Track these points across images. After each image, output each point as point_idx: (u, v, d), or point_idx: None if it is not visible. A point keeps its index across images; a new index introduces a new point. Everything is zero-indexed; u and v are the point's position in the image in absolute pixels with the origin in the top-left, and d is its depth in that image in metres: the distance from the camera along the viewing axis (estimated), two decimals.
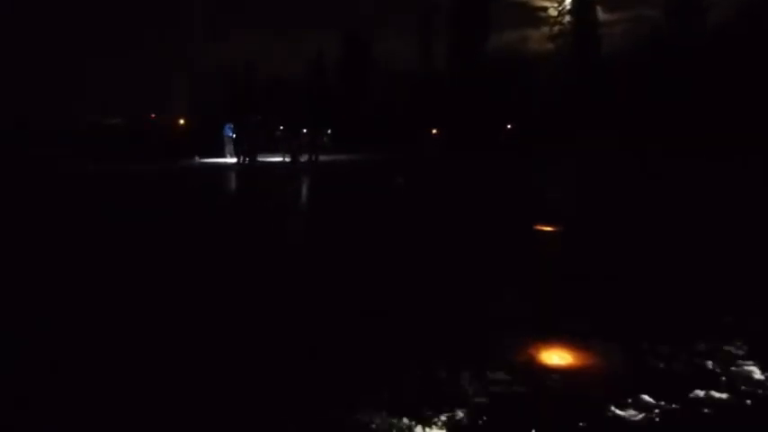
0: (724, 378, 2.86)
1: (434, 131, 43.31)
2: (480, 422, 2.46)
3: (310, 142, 27.00)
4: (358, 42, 50.61)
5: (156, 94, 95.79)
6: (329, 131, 38.79)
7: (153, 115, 49.50)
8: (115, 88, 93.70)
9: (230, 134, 25.37)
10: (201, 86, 55.85)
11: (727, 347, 3.22)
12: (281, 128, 30.72)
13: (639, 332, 3.48)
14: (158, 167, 22.67)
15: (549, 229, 7.63)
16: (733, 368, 2.97)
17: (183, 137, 37.11)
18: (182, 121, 42.53)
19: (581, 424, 2.41)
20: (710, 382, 2.80)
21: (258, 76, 53.85)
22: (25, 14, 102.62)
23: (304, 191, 15.35)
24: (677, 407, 2.56)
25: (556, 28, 43.79)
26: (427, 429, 2.41)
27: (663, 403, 2.57)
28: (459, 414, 2.51)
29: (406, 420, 2.46)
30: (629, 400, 2.60)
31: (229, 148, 25.31)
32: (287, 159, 25.92)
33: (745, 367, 2.98)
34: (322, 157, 26.98)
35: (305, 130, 27.83)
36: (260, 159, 25.15)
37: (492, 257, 6.06)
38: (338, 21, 70.54)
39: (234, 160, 24.61)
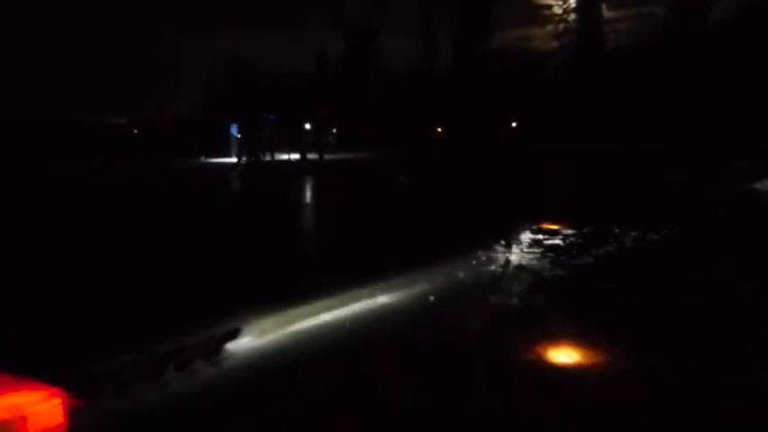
0: None
1: (439, 130, 43.12)
2: None
3: (315, 141, 26.88)
4: (360, 41, 50.31)
5: (160, 93, 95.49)
6: (333, 130, 38.68)
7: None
8: (119, 88, 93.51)
9: (236, 134, 25.23)
10: (205, 86, 55.53)
11: None
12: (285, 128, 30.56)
13: None
14: (165, 167, 22.49)
15: (553, 227, 7.76)
16: None
17: (188, 136, 36.91)
18: (187, 122, 42.30)
19: None
20: None
21: (259, 74, 53.41)
22: (29, 13, 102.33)
23: (310, 191, 15.18)
24: None
25: (561, 26, 43.52)
26: None
27: None
28: None
29: None
30: None
31: (235, 147, 25.15)
32: (292, 159, 25.82)
33: None
34: (327, 156, 26.86)
35: (308, 127, 27.72)
36: (265, 159, 25.01)
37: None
38: (340, 20, 70.26)
39: (240, 160, 24.41)
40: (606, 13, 43.05)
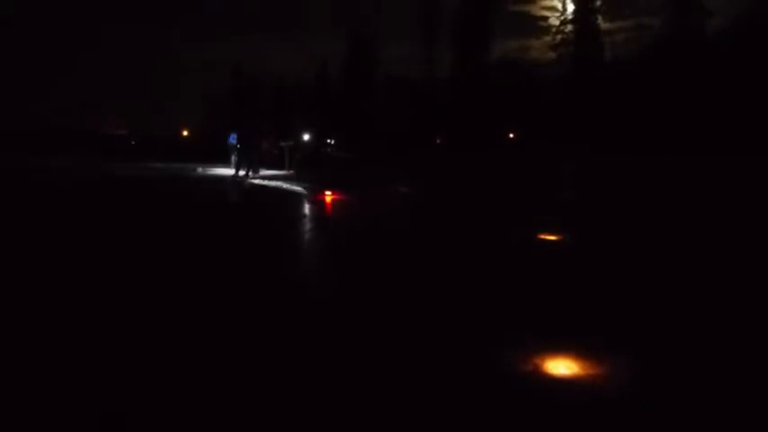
0: None
1: (438, 142, 43.32)
2: None
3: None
4: (361, 48, 50.44)
5: (161, 98, 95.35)
6: (332, 141, 38.73)
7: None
8: (118, 91, 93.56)
9: (234, 143, 24.96)
10: (206, 91, 55.72)
11: None
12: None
13: None
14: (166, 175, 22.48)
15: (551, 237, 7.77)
16: None
17: (187, 146, 36.90)
18: (185, 133, 42.41)
19: None
20: None
21: (260, 80, 53.42)
22: (29, 16, 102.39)
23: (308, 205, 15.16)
24: None
25: (558, 37, 43.81)
26: None
27: None
28: None
29: None
30: None
31: (234, 157, 24.92)
32: (291, 171, 25.81)
33: None
34: None
35: (307, 138, 27.72)
36: (263, 171, 24.97)
37: None
38: (341, 27, 70.60)
39: (238, 172, 24.11)
40: (603, 24, 43.36)
